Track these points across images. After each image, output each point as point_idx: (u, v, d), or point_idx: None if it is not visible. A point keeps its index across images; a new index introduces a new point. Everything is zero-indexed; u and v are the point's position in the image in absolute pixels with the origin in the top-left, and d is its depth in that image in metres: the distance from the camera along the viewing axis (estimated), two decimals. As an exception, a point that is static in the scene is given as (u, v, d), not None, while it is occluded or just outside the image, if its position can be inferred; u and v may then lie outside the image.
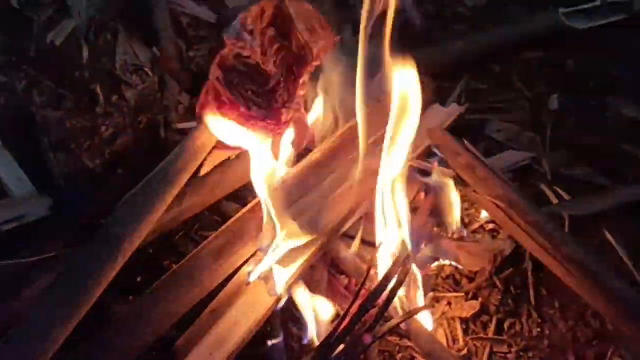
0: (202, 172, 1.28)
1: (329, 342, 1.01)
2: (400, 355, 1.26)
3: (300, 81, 1.06)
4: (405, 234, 1.16)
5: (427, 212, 1.32)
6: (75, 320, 0.95)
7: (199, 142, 1.17)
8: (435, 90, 1.57)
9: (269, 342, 1.15)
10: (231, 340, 1.09)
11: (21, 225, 1.30)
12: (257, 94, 1.03)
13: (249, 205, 1.24)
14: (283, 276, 1.14)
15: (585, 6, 1.85)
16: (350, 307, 1.03)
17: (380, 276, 1.18)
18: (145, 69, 1.60)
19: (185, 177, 1.15)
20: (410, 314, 1.13)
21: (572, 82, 1.75)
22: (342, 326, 1.02)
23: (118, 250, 1.02)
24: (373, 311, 1.07)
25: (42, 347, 0.90)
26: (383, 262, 1.18)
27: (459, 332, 1.28)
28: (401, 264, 1.11)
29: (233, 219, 1.22)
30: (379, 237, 1.20)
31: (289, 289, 1.17)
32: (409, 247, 1.13)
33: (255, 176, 1.13)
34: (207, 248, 1.17)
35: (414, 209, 1.33)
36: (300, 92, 1.09)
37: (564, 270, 1.23)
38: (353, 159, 1.22)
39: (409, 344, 1.25)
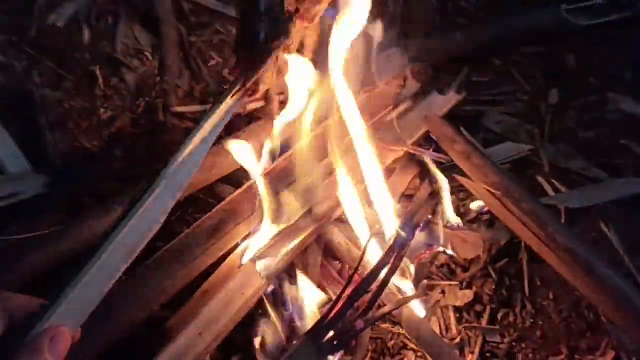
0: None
1: (320, 326, 1.00)
2: (392, 342, 1.26)
3: None
4: (398, 220, 1.17)
5: (422, 199, 1.31)
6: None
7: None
8: (435, 80, 1.57)
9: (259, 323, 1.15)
10: (221, 321, 1.08)
11: (16, 202, 1.30)
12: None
13: (243, 186, 1.24)
14: (274, 259, 1.14)
15: (588, 3, 1.85)
16: (342, 292, 1.02)
17: (373, 262, 1.18)
18: (146, 53, 1.60)
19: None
20: (403, 301, 1.12)
21: (572, 77, 1.75)
22: (334, 311, 1.01)
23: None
24: (366, 297, 1.07)
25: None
26: (376, 248, 1.18)
27: (452, 321, 1.28)
28: (396, 250, 1.10)
29: (227, 199, 1.21)
30: (371, 223, 1.20)
31: (280, 272, 1.17)
32: (403, 233, 1.13)
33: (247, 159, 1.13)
34: (201, 227, 1.17)
35: (409, 196, 1.33)
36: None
37: (557, 259, 1.23)
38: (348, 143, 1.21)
39: (401, 331, 1.25)
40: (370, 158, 1.15)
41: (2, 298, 0.61)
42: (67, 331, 0.63)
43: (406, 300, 1.09)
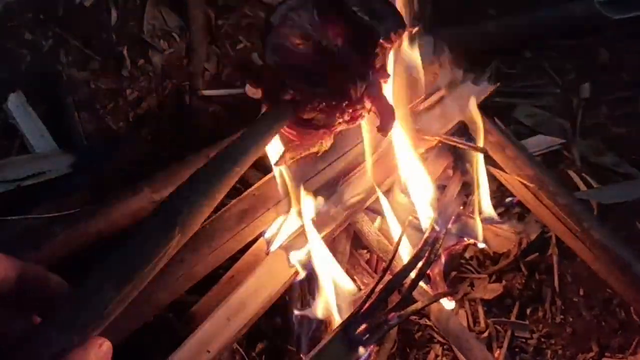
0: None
1: (353, 319, 0.99)
2: (419, 334, 1.24)
3: (374, 58, 0.86)
4: (433, 212, 1.15)
5: (455, 190, 1.29)
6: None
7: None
8: (467, 70, 1.54)
9: (295, 312, 1.13)
10: (250, 308, 1.06)
11: (42, 181, 1.29)
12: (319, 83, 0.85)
13: (272, 173, 1.22)
14: (305, 248, 1.12)
15: (622, -4, 1.81)
16: (376, 285, 1.01)
17: (403, 254, 1.16)
18: (173, 35, 1.58)
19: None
20: (436, 297, 1.10)
21: (604, 71, 1.72)
22: (367, 304, 1.00)
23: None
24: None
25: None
26: (409, 241, 1.16)
27: (481, 315, 1.26)
28: (431, 244, 1.08)
29: (257, 184, 1.20)
30: (404, 214, 1.18)
31: (309, 261, 1.15)
32: (438, 226, 1.11)
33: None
34: (230, 212, 1.15)
35: (441, 187, 1.31)
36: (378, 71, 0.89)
37: (591, 255, 1.20)
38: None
39: (428, 323, 1.23)
40: (406, 145, 1.13)
41: (19, 261, 0.58)
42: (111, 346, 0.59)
43: (439, 296, 1.07)
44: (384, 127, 0.88)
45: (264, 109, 0.91)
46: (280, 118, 0.84)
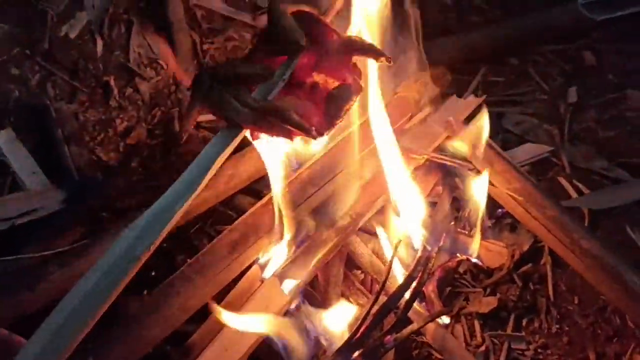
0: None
1: (349, 344, 0.99)
2: (416, 352, 1.25)
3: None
4: (424, 231, 1.16)
5: (446, 207, 1.30)
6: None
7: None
8: (452, 82, 1.55)
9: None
10: (247, 336, 1.07)
11: (35, 219, 1.29)
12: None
13: (264, 199, 1.23)
14: (296, 275, 1.13)
15: (604, -3, 1.82)
16: (370, 308, 1.01)
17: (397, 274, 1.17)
18: (160, 62, 1.58)
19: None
20: (431, 318, 1.11)
21: (591, 75, 1.73)
22: (362, 328, 1.00)
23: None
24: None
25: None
26: (402, 260, 1.17)
27: (477, 329, 1.27)
28: (423, 264, 1.09)
29: (248, 212, 1.20)
30: (396, 234, 1.19)
31: (302, 288, 1.15)
32: (430, 245, 1.12)
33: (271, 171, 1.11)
34: (223, 241, 1.16)
35: (432, 204, 1.32)
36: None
37: (583, 265, 1.21)
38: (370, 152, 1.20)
39: (425, 340, 1.24)
40: (396, 165, 1.14)
41: None
42: None
43: (434, 316, 1.08)
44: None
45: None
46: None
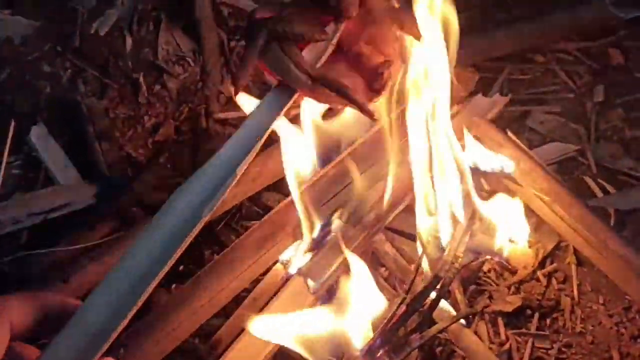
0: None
1: (375, 342, 1.01)
2: (439, 349, 1.25)
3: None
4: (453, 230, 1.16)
5: (472, 205, 1.30)
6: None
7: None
8: (478, 81, 1.55)
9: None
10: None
11: (67, 213, 1.32)
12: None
13: (290, 196, 1.25)
14: (321, 274, 1.14)
15: (633, -6, 1.80)
16: (398, 307, 1.02)
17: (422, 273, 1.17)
18: (187, 59, 1.61)
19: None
20: (457, 317, 1.12)
21: (618, 73, 1.71)
22: (388, 327, 1.02)
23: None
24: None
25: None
26: (427, 259, 1.17)
27: (501, 327, 1.27)
28: (450, 263, 1.10)
29: (275, 209, 1.22)
30: (424, 234, 1.19)
31: (330, 286, 1.16)
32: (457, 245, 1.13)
33: (288, 172, 1.12)
34: (250, 238, 1.18)
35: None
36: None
37: (609, 265, 1.21)
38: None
39: (448, 337, 1.25)
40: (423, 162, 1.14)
41: (38, 296, 0.60)
42: None
43: (460, 315, 1.09)
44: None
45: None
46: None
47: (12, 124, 1.39)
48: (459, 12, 1.02)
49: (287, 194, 1.29)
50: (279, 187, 1.38)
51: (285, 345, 1.00)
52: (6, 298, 0.58)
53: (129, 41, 1.59)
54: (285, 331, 0.99)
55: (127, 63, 1.57)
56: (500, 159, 1.28)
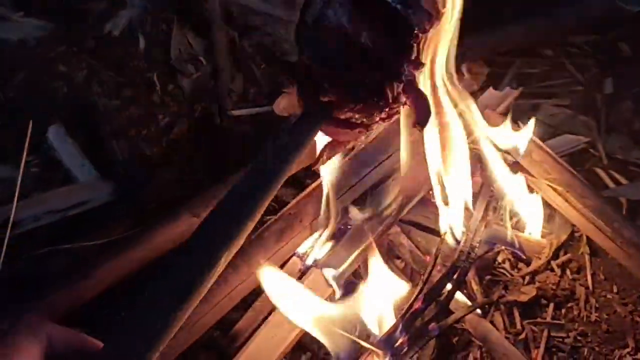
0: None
1: (393, 331, 1.02)
2: (457, 338, 1.26)
3: (410, 50, 0.83)
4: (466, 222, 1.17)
5: (486, 197, 1.31)
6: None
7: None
8: (487, 74, 1.56)
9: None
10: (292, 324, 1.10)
11: (86, 211, 1.34)
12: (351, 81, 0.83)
13: (307, 190, 1.26)
14: (339, 265, 1.15)
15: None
16: (417, 297, 1.04)
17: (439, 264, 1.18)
18: (200, 58, 1.62)
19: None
20: (474, 307, 1.13)
21: (626, 65, 1.72)
22: (407, 316, 1.03)
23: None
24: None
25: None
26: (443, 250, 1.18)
27: (517, 317, 1.28)
28: (466, 254, 1.11)
29: (293, 202, 1.24)
30: (442, 225, 1.20)
31: (348, 277, 1.18)
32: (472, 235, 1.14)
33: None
34: (269, 231, 1.19)
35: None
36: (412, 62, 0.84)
37: (623, 253, 1.22)
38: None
39: (465, 326, 1.26)
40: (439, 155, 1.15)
41: (46, 326, 0.60)
42: None
43: (476, 305, 1.10)
44: (420, 121, 0.86)
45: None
46: (320, 118, 0.83)
47: (30, 124, 1.41)
48: (468, 8, 1.03)
49: (301, 187, 1.31)
50: (294, 181, 1.39)
51: (305, 329, 1.01)
52: (49, 324, 0.58)
53: (142, 41, 1.61)
54: (305, 316, 1.00)
55: (141, 63, 1.59)
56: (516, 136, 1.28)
